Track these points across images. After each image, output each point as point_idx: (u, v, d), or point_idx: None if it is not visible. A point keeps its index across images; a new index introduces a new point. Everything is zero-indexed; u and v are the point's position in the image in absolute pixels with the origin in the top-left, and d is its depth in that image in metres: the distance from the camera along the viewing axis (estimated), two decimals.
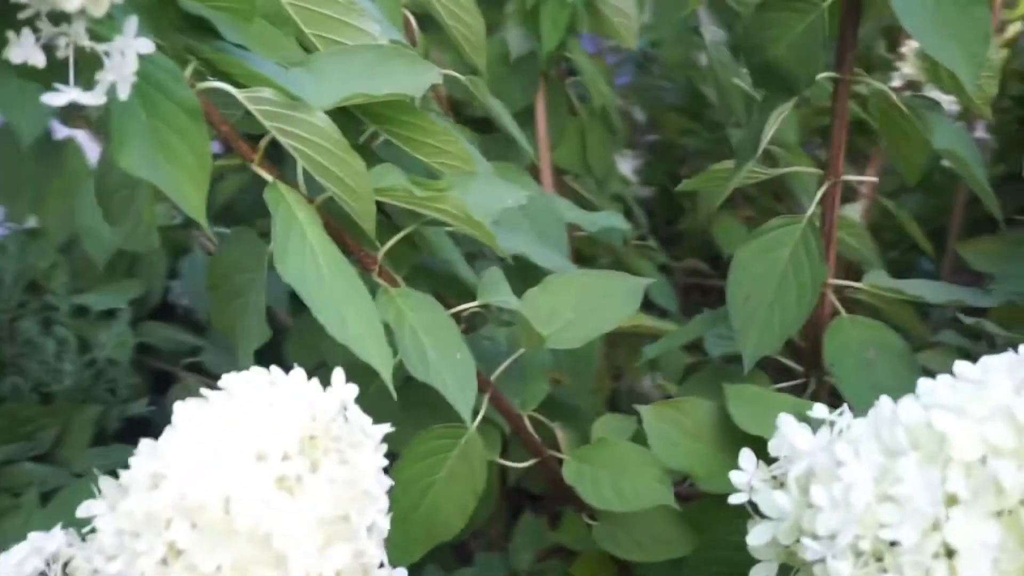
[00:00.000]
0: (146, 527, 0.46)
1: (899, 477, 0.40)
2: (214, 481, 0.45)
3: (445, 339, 0.57)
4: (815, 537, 0.43)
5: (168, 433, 0.48)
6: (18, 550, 0.49)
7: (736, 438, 0.69)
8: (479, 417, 0.66)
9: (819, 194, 0.71)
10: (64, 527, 0.86)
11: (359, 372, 0.51)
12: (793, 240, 0.71)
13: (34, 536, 0.50)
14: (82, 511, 0.50)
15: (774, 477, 0.50)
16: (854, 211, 1.17)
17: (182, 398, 1.11)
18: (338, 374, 0.48)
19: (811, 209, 0.71)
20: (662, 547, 0.71)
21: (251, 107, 0.51)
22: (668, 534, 0.72)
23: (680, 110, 1.43)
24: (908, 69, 1.12)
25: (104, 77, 0.44)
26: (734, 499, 0.50)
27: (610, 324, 0.69)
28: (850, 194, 1.24)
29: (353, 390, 0.49)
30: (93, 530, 0.48)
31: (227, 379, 0.48)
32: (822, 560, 0.42)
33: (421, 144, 0.61)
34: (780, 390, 0.76)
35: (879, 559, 0.40)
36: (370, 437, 0.48)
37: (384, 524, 0.48)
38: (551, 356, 0.74)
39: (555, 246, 0.78)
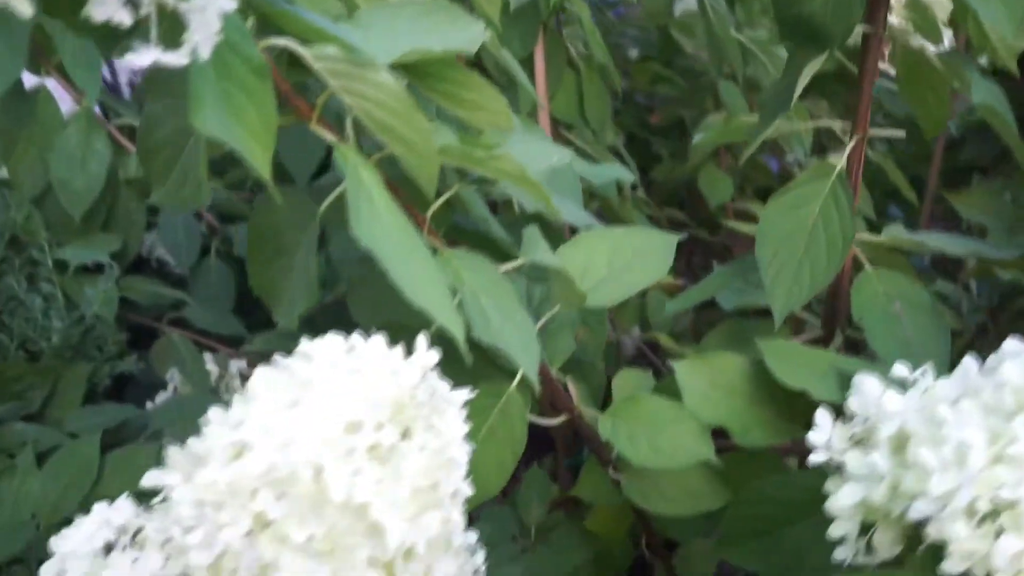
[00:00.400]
0: (230, 498, 0.45)
1: (1015, 436, 0.40)
2: (304, 450, 0.44)
3: (504, 300, 0.56)
4: (922, 498, 0.43)
5: (245, 401, 0.47)
6: (86, 523, 0.47)
7: (770, 393, 0.69)
8: (519, 376, 0.65)
9: (848, 148, 0.71)
10: (66, 488, 0.84)
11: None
12: (822, 195, 0.71)
13: (100, 508, 0.49)
14: (149, 480, 0.48)
15: (851, 437, 0.50)
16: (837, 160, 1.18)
17: (166, 354, 1.09)
18: (421, 340, 0.47)
19: (840, 164, 0.71)
20: (693, 501, 0.72)
21: (316, 64, 0.49)
22: (699, 488, 0.72)
23: (653, 59, 1.43)
24: (893, 18, 1.13)
25: (189, 37, 0.42)
26: (814, 458, 0.51)
27: (644, 282, 0.69)
28: (829, 141, 1.25)
29: (434, 356, 0.48)
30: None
31: (306, 346, 0.47)
32: (928, 520, 0.42)
33: (461, 99, 0.59)
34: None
35: (995, 519, 0.40)
36: (452, 403, 0.47)
37: (466, 490, 0.48)
38: (577, 313, 0.73)
39: (574, 201, 0.78)
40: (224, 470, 0.45)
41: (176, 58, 0.41)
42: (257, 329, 1.16)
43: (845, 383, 0.65)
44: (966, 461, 0.41)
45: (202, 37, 0.42)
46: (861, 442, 0.49)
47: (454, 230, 0.67)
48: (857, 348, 0.80)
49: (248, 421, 0.45)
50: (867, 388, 0.49)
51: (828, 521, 0.64)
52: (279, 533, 0.44)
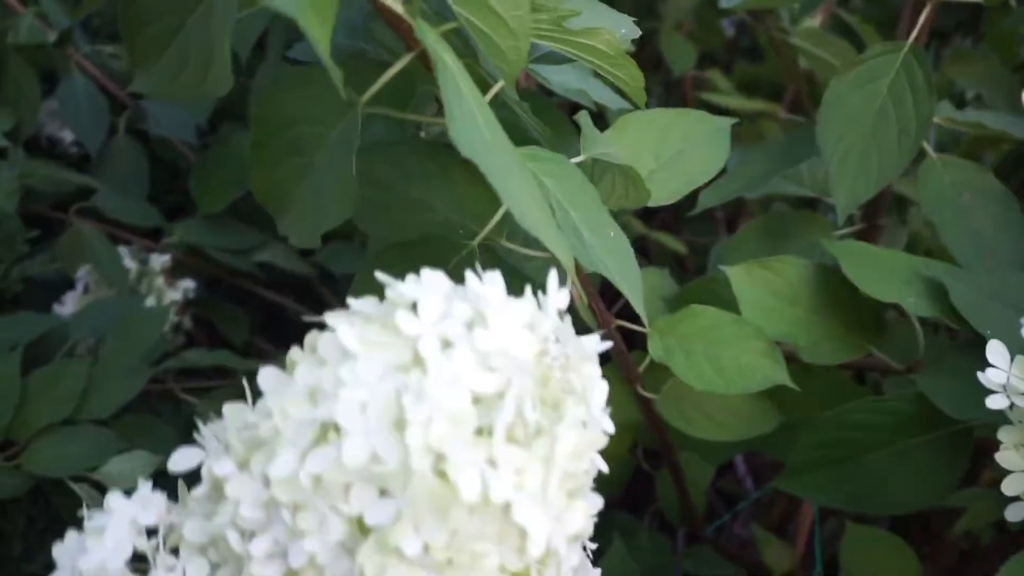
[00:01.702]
0: (314, 497, 0.34)
1: None
2: (419, 435, 0.33)
3: (593, 213, 0.45)
4: None
5: (319, 362, 0.36)
6: (111, 527, 0.36)
7: (837, 301, 0.61)
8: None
9: (922, 17, 0.62)
10: None
11: None
12: (893, 69, 0.61)
13: (121, 505, 0.37)
14: (180, 462, 0.37)
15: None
16: (812, 22, 1.09)
17: (75, 249, 0.94)
18: (552, 278, 0.37)
19: (913, 33, 0.62)
20: (743, 425, 0.64)
21: None
22: (749, 410, 0.64)
23: None
24: None
25: None
26: (991, 403, 0.42)
27: (701, 175, 0.59)
28: None
29: (565, 297, 0.37)
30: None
31: (403, 288, 0.35)
32: None
33: None
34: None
35: None
36: (589, 356, 0.37)
37: (601, 464, 0.38)
38: None
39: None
40: (307, 461, 0.34)
41: None
42: (175, 217, 1.03)
43: (933, 290, 0.57)
44: None
45: None
46: None
47: None
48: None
49: (336, 394, 0.34)
50: None
51: (912, 449, 0.57)
52: (384, 542, 0.33)
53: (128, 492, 0.38)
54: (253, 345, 1.11)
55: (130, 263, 0.94)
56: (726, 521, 0.97)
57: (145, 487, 0.37)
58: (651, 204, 0.56)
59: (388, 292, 0.36)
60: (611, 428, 0.36)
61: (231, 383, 0.91)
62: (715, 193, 0.68)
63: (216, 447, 0.37)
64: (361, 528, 0.34)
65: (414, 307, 0.35)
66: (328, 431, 0.34)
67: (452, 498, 0.33)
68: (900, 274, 0.58)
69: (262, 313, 1.13)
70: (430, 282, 0.36)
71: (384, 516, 0.33)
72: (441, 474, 0.33)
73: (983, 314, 0.54)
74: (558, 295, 0.36)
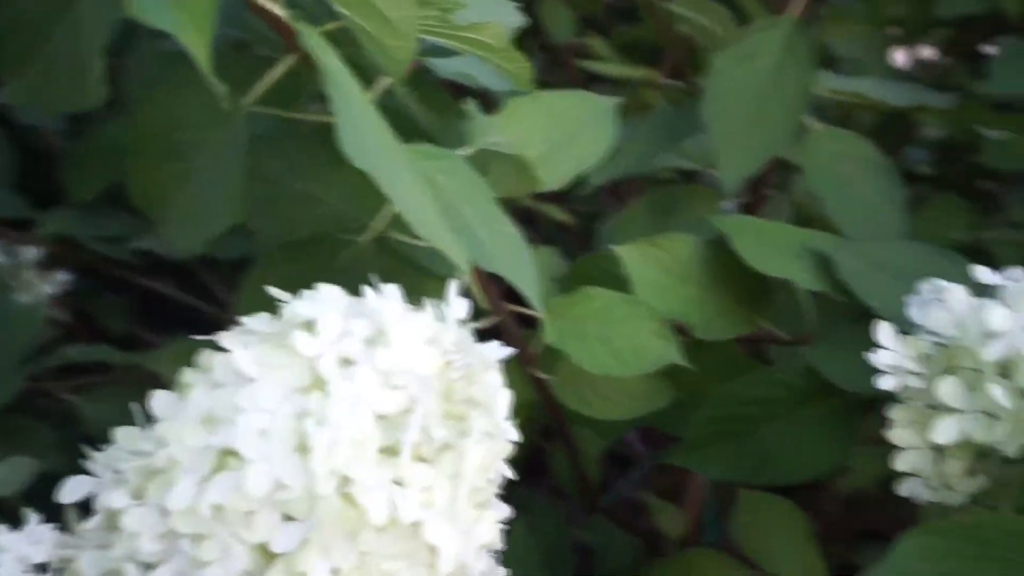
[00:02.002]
0: (216, 526, 0.33)
1: None
2: (323, 459, 0.32)
3: (485, 208, 0.45)
4: None
5: (215, 387, 0.34)
6: (4, 566, 0.34)
7: (726, 276, 0.62)
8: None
9: None
10: None
11: None
12: (776, 44, 0.62)
13: (10, 540, 0.35)
14: (71, 493, 0.36)
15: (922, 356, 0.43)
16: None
17: None
18: (452, 287, 0.36)
19: (795, 6, 0.62)
20: (637, 403, 0.64)
21: None
22: (643, 388, 0.64)
23: None
24: None
25: None
26: (883, 383, 0.43)
27: (591, 156, 0.59)
28: None
29: (464, 306, 0.36)
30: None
31: (300, 307, 0.34)
32: None
33: None
34: None
35: None
36: (491, 364, 0.37)
37: (507, 472, 0.38)
38: None
39: None
40: (208, 490, 0.33)
41: None
42: (46, 207, 0.98)
43: (821, 264, 0.58)
44: None
45: None
46: (947, 364, 0.41)
47: None
48: None
49: (235, 420, 0.33)
50: (954, 299, 0.41)
51: (805, 420, 0.58)
52: (291, 568, 0.33)
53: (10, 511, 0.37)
54: (134, 335, 1.08)
55: (1, 257, 0.90)
56: (619, 486, 0.98)
57: (34, 520, 0.36)
58: (542, 189, 0.56)
59: (284, 311, 0.35)
60: (516, 437, 0.36)
61: (113, 379, 0.88)
62: (604, 171, 0.68)
63: (109, 478, 0.35)
64: (266, 555, 0.33)
65: (310, 325, 0.34)
66: (227, 457, 0.33)
67: (360, 521, 0.33)
68: (788, 248, 0.59)
69: (141, 301, 1.10)
70: (327, 298, 0.35)
71: (291, 542, 0.33)
72: (347, 497, 0.33)
73: (869, 286, 0.55)
74: (458, 305, 0.36)
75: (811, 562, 0.67)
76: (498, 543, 0.36)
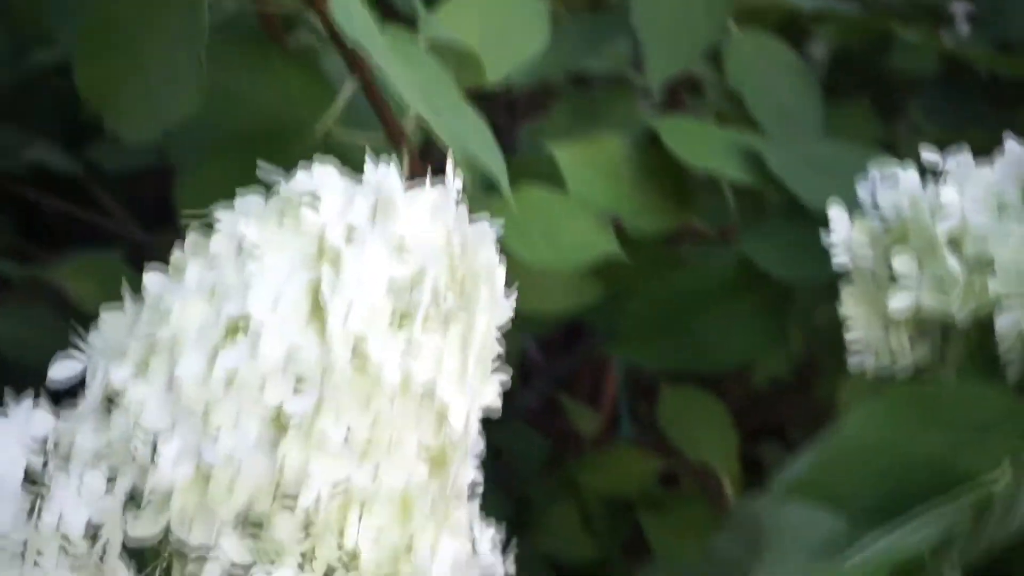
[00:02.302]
0: (227, 396, 0.33)
1: None
2: (338, 325, 0.33)
3: (452, 95, 0.45)
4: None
5: (212, 266, 0.35)
6: (1, 444, 0.34)
7: (655, 176, 0.64)
8: None
9: None
10: None
11: None
12: None
13: (4, 426, 0.35)
14: (60, 372, 0.35)
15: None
16: None
17: None
18: (451, 161, 0.36)
19: None
20: (568, 298, 0.66)
21: None
22: (574, 283, 0.66)
23: None
24: None
25: None
26: (837, 261, 0.45)
27: (525, 53, 0.59)
28: None
29: (459, 179, 0.37)
30: None
31: (302, 180, 0.35)
32: None
33: None
34: None
35: None
36: (487, 238, 0.37)
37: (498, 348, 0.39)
38: None
39: None
40: (219, 359, 0.33)
41: None
42: None
43: (750, 160, 0.60)
44: None
45: None
46: (898, 241, 0.44)
47: None
48: None
49: (251, 289, 0.33)
50: (906, 180, 0.44)
51: (737, 311, 0.61)
52: (306, 434, 0.33)
53: None
54: (19, 250, 1.04)
55: None
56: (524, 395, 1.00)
57: (26, 402, 0.35)
58: (486, 82, 0.57)
59: (281, 188, 0.35)
60: (510, 312, 0.37)
61: (14, 295, 0.85)
62: (527, 72, 0.69)
63: (108, 353, 0.35)
64: (279, 423, 0.34)
65: (310, 200, 0.34)
66: (236, 330, 0.33)
67: (373, 385, 0.33)
68: (717, 145, 0.61)
69: (25, 216, 1.06)
70: (325, 174, 0.35)
71: (305, 407, 0.33)
72: (361, 362, 0.33)
73: (799, 179, 0.58)
74: (456, 181, 0.36)
75: (730, 448, 0.70)
76: (498, 408, 0.37)
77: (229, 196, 0.37)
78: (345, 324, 0.32)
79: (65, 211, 1.02)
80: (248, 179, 0.38)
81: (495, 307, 0.36)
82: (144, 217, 1.03)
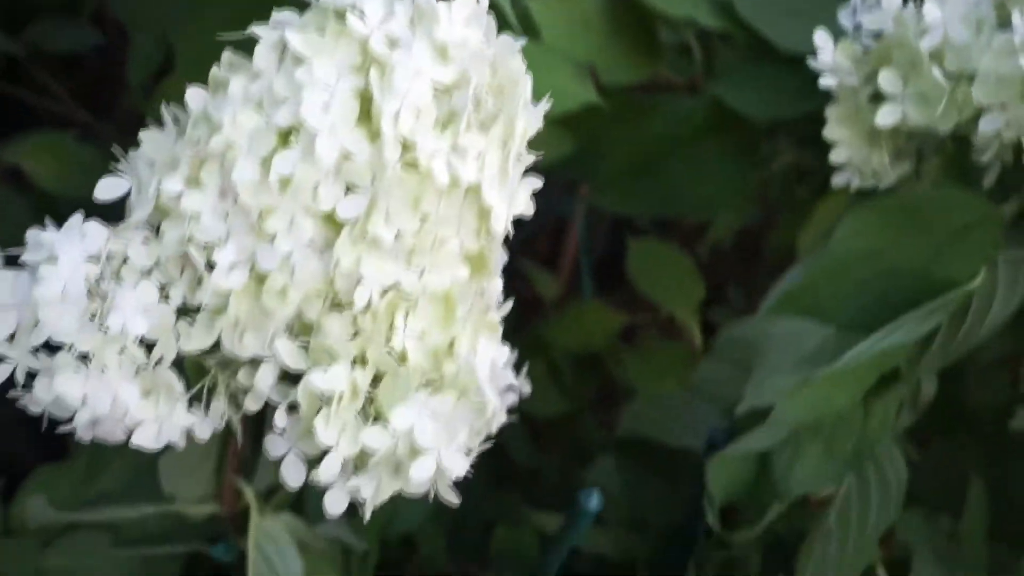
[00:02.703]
0: (282, 200, 0.35)
1: None
2: (390, 127, 0.34)
3: None
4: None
5: (255, 77, 0.36)
6: (63, 255, 0.35)
7: (627, 27, 0.65)
8: None
9: None
10: None
11: None
12: None
13: (60, 235, 0.36)
14: (108, 191, 0.36)
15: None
16: None
17: None
18: None
19: None
20: (543, 149, 0.67)
21: None
22: (547, 136, 0.67)
23: None
24: None
25: None
26: (823, 82, 0.48)
27: None
28: None
29: None
30: None
31: None
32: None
33: None
34: None
35: None
36: (513, 50, 0.39)
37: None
38: None
39: None
40: (274, 163, 0.34)
41: None
42: None
43: (717, 6, 0.62)
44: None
45: None
46: (881, 61, 0.46)
47: None
48: None
49: (304, 94, 0.34)
50: (889, 1, 0.46)
51: (709, 153, 0.63)
52: (359, 234, 0.35)
53: None
54: None
55: None
56: None
57: (77, 217, 0.36)
58: None
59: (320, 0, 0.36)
60: (539, 122, 0.39)
61: None
62: None
63: (160, 165, 0.36)
64: (332, 224, 0.35)
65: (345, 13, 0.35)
66: (287, 137, 0.35)
67: (422, 186, 0.35)
68: None
69: None
70: None
71: (357, 209, 0.35)
72: (410, 163, 0.35)
73: (768, 22, 0.60)
74: None
75: (697, 297, 0.73)
76: (531, 211, 0.39)
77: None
78: (396, 125, 0.34)
79: (6, 93, 1.01)
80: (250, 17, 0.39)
81: (528, 113, 0.37)
82: (84, 99, 1.02)
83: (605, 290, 0.90)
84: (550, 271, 0.90)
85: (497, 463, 0.82)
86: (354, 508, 0.52)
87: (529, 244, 0.98)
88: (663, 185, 0.63)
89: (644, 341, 0.80)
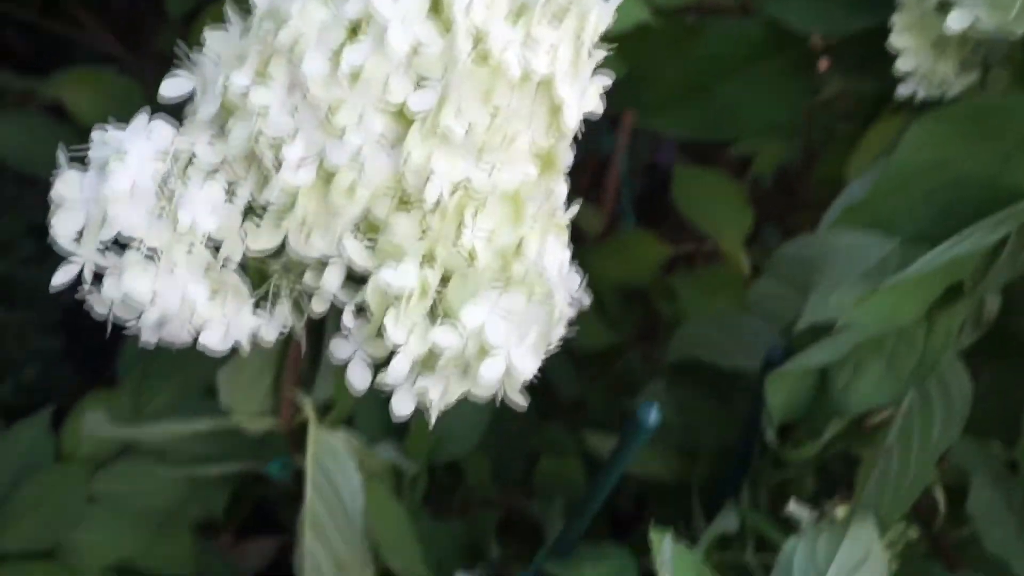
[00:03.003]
0: (352, 93, 0.34)
1: None
2: (462, 17, 0.33)
3: None
4: None
5: None
6: (131, 151, 0.34)
7: None
8: None
9: None
10: None
11: None
12: None
13: (127, 134, 0.35)
14: (173, 89, 0.36)
15: None
16: None
17: None
18: None
19: None
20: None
21: None
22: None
23: None
24: None
25: None
26: None
27: None
28: None
29: None
30: None
31: None
32: None
33: None
34: None
35: None
36: None
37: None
38: None
39: None
40: (345, 55, 0.34)
41: None
42: None
43: None
44: None
45: None
46: None
47: None
48: None
49: None
50: None
51: (763, 74, 0.62)
52: (430, 128, 0.34)
53: None
54: None
55: None
56: None
57: (143, 117, 0.36)
58: None
59: None
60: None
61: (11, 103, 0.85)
62: None
63: (226, 61, 0.35)
64: (402, 118, 0.35)
65: None
66: (356, 30, 0.34)
67: (493, 79, 0.34)
68: None
69: None
70: None
71: (427, 102, 0.34)
72: (482, 55, 0.34)
73: None
74: None
75: (746, 225, 0.73)
76: (601, 110, 0.38)
77: None
78: (468, 15, 0.33)
79: (46, 29, 1.00)
80: None
81: (600, 8, 0.36)
82: (120, 35, 1.01)
83: (645, 228, 0.89)
84: (593, 205, 0.89)
85: (542, 396, 0.82)
86: (403, 431, 0.52)
87: (570, 181, 0.97)
88: (718, 107, 0.62)
89: (691, 270, 0.79)
